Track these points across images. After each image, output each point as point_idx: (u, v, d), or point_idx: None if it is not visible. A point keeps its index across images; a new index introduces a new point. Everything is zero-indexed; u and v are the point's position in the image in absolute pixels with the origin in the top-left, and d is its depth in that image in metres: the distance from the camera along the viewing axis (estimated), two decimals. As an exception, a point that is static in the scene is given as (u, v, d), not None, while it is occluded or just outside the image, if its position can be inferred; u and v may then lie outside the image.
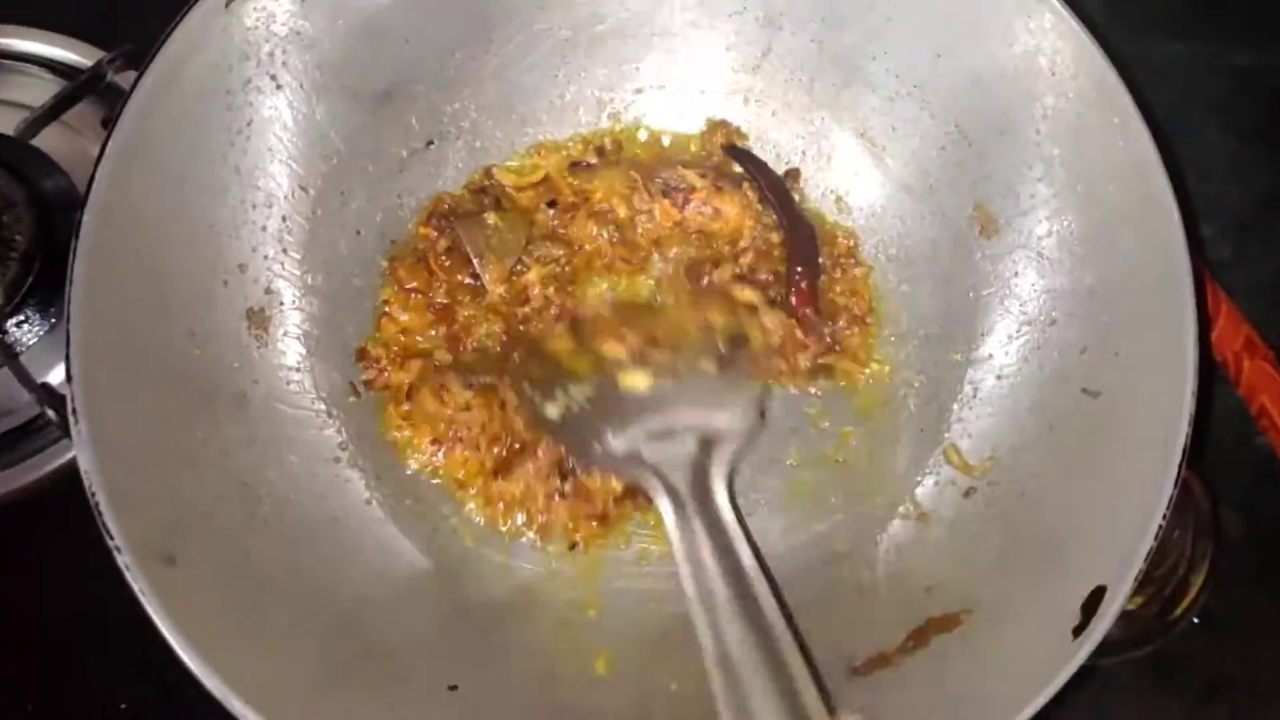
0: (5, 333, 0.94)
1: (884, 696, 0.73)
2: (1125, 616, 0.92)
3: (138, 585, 0.63)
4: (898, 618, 0.77)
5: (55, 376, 0.94)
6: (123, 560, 0.63)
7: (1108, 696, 0.93)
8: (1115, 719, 0.95)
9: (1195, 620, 0.94)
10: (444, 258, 0.88)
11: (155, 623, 0.63)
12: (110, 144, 0.72)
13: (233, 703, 0.62)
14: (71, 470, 0.92)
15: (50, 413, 0.89)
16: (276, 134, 0.81)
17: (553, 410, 0.82)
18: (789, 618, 0.67)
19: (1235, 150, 1.12)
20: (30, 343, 0.96)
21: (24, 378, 0.89)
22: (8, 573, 0.92)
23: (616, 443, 0.79)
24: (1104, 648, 0.91)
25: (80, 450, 0.65)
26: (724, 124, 0.94)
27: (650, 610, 0.82)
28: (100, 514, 0.64)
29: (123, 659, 0.89)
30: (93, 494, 0.64)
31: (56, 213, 0.97)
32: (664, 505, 0.74)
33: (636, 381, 0.82)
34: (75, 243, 0.69)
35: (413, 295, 0.88)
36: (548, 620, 0.81)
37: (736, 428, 0.80)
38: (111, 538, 0.64)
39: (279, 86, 0.81)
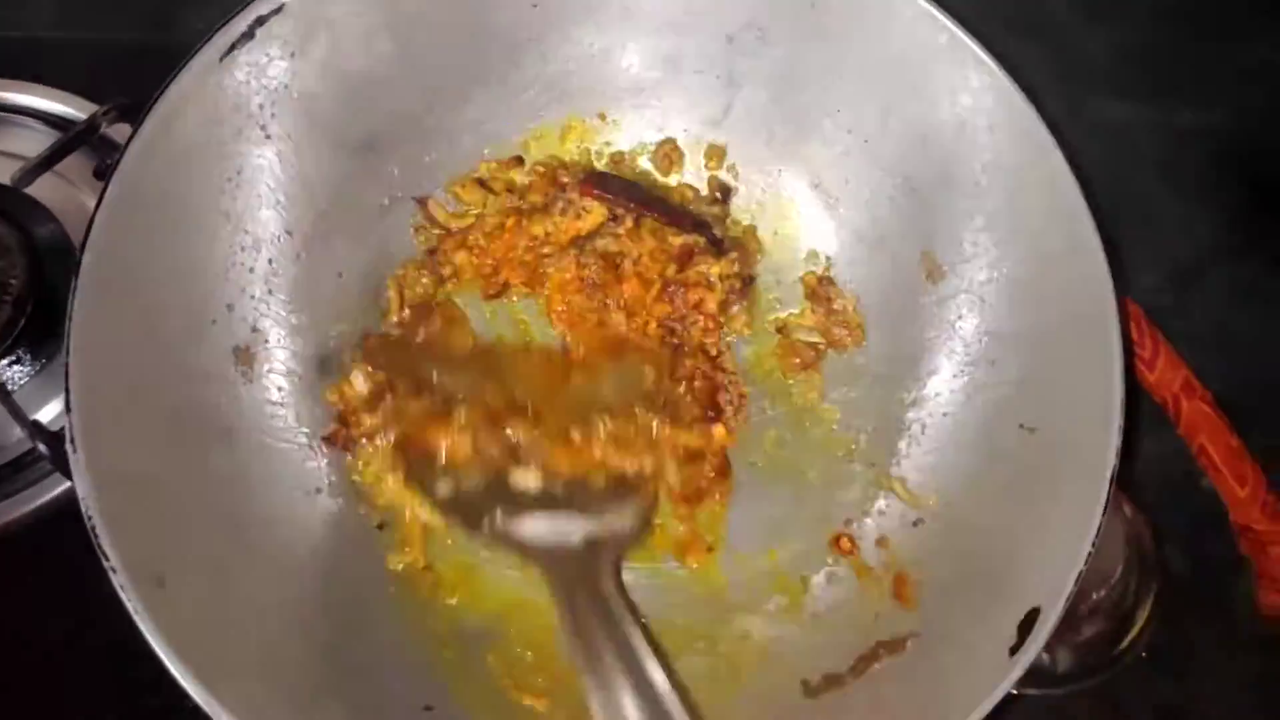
0: (-1, 373, 0.98)
1: (834, 716, 0.77)
2: (1075, 649, 0.98)
3: (131, 605, 0.67)
4: (850, 642, 0.81)
5: (46, 414, 0.98)
6: (118, 580, 0.67)
7: (1061, 725, 0.96)
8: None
9: (1143, 654, 0.98)
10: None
11: (147, 640, 0.66)
12: (109, 189, 0.76)
13: (221, 716, 0.65)
14: (60, 504, 0.96)
15: (42, 448, 0.92)
16: (265, 181, 0.86)
17: (443, 489, 0.85)
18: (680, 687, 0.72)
19: (1177, 205, 1.17)
20: (22, 382, 0.99)
21: (17, 414, 0.92)
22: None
23: (505, 526, 0.83)
24: (1056, 679, 0.97)
25: (78, 477, 0.69)
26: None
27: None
28: (96, 537, 0.68)
29: (112, 686, 0.92)
30: (89, 518, 0.68)
31: (49, 258, 1.01)
32: (553, 588, 0.78)
33: (527, 480, 0.85)
34: (75, 281, 0.73)
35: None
36: (522, 644, 0.85)
37: (623, 533, 0.84)
38: (107, 559, 0.67)
39: (269, 136, 0.85)
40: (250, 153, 0.85)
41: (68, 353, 0.72)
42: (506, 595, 0.87)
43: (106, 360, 0.74)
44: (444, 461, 0.85)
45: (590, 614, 0.75)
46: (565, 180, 0.96)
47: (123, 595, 0.67)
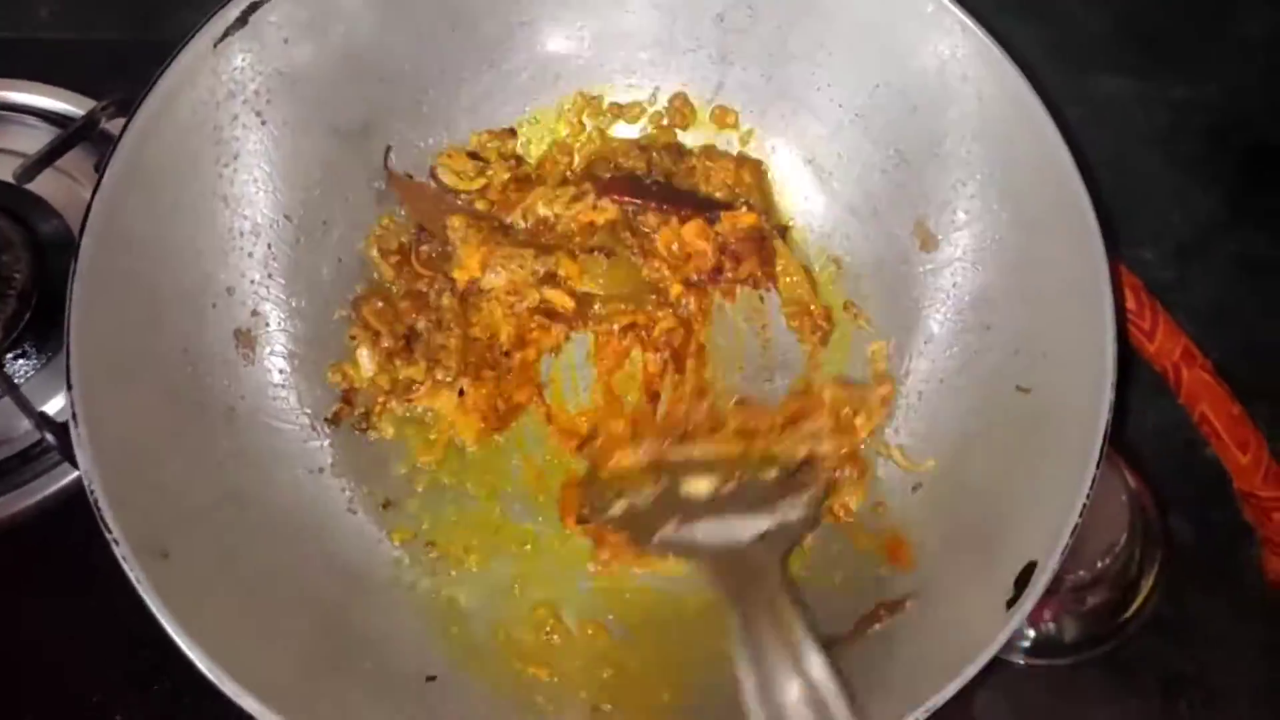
0: (3, 366, 0.99)
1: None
2: (1081, 618, 0.98)
3: (133, 574, 0.67)
4: (854, 603, 0.82)
5: (52, 406, 0.99)
6: (120, 552, 0.68)
7: (1069, 694, 0.97)
8: (1077, 716, 0.98)
9: (1150, 623, 0.98)
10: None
11: (152, 612, 0.67)
12: (107, 174, 0.77)
13: (223, 681, 0.66)
14: (68, 496, 0.97)
15: (49, 438, 0.94)
16: (262, 166, 0.87)
17: (617, 509, 0.87)
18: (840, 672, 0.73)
19: (1175, 179, 1.17)
20: (28, 375, 1.00)
21: (24, 406, 0.94)
22: (6, 593, 0.95)
23: (677, 535, 0.84)
24: (1064, 648, 0.97)
25: (79, 451, 0.70)
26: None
27: (630, 600, 0.87)
28: (98, 509, 0.69)
29: (119, 675, 0.93)
30: (91, 491, 0.69)
31: (52, 253, 1.03)
32: (722, 588, 0.79)
33: (699, 487, 0.86)
34: (74, 264, 0.74)
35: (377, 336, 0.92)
36: (521, 618, 0.85)
37: (794, 524, 0.85)
38: (109, 530, 0.68)
39: (264, 122, 0.86)
40: (246, 138, 0.86)
41: (67, 332, 0.73)
42: (509, 569, 0.88)
43: (107, 340, 0.75)
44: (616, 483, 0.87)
45: (759, 612, 0.76)
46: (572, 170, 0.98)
47: (125, 566, 0.68)
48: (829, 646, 0.79)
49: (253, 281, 0.87)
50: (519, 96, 0.99)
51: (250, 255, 0.87)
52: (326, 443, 0.88)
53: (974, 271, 0.89)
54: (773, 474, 0.87)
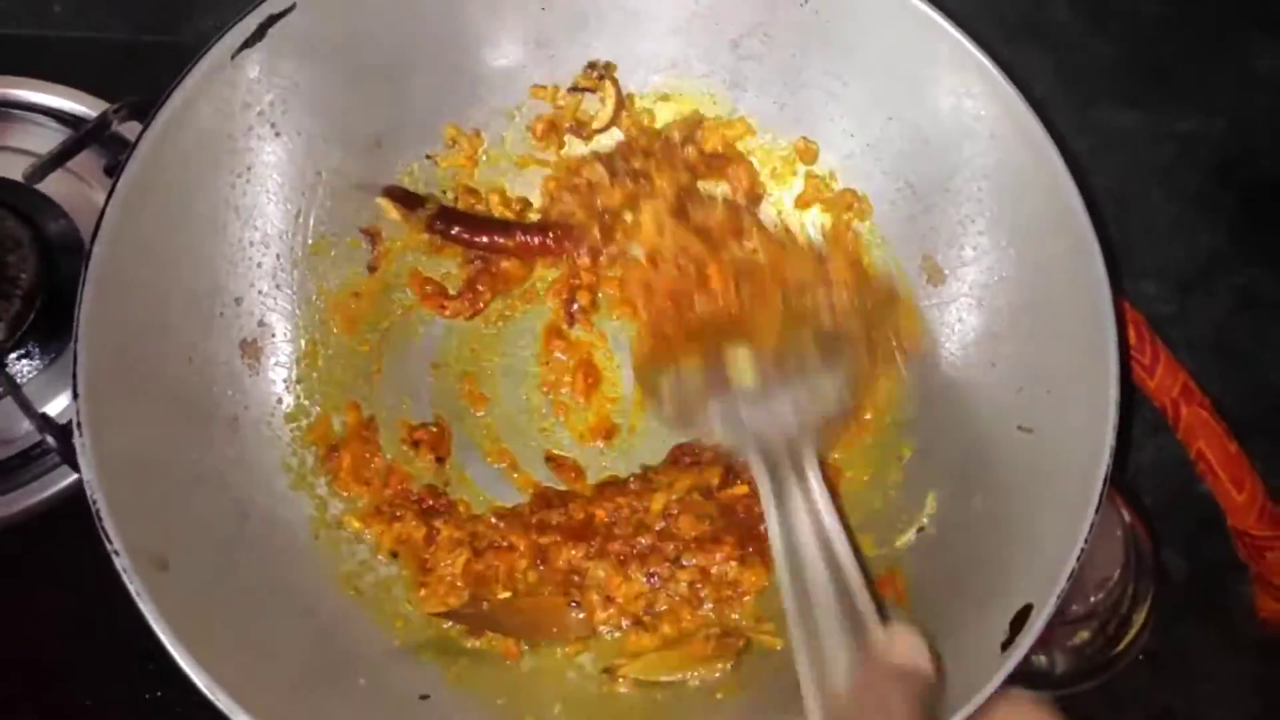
0: (6, 366, 0.99)
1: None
2: (1073, 651, 0.98)
3: (134, 586, 0.68)
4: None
5: (54, 408, 0.99)
6: (120, 563, 0.68)
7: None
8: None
9: (1141, 657, 0.98)
10: None
11: (150, 624, 0.67)
12: (120, 182, 0.77)
13: (218, 696, 0.66)
14: (68, 496, 0.97)
15: (50, 439, 0.94)
16: (274, 177, 0.87)
17: (665, 385, 0.88)
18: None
19: (1179, 213, 1.18)
20: (31, 375, 1.01)
21: (26, 407, 0.94)
22: (7, 593, 0.95)
23: (721, 409, 0.85)
24: (1055, 681, 0.97)
25: (83, 460, 0.70)
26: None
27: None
28: (100, 519, 0.69)
29: (118, 675, 0.93)
30: (93, 501, 0.69)
31: (59, 254, 1.03)
32: (759, 472, 0.80)
33: (742, 361, 0.86)
34: (85, 271, 0.74)
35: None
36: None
37: (830, 412, 0.85)
38: (110, 542, 0.68)
39: (278, 134, 0.87)
40: (260, 149, 0.87)
41: (76, 339, 0.73)
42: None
43: (114, 348, 0.76)
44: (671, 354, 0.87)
45: (795, 495, 0.77)
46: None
47: (125, 578, 0.68)
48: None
49: (261, 292, 0.87)
50: (534, 114, 0.99)
51: (259, 266, 0.88)
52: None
53: (979, 308, 0.90)
54: (811, 345, 0.87)
